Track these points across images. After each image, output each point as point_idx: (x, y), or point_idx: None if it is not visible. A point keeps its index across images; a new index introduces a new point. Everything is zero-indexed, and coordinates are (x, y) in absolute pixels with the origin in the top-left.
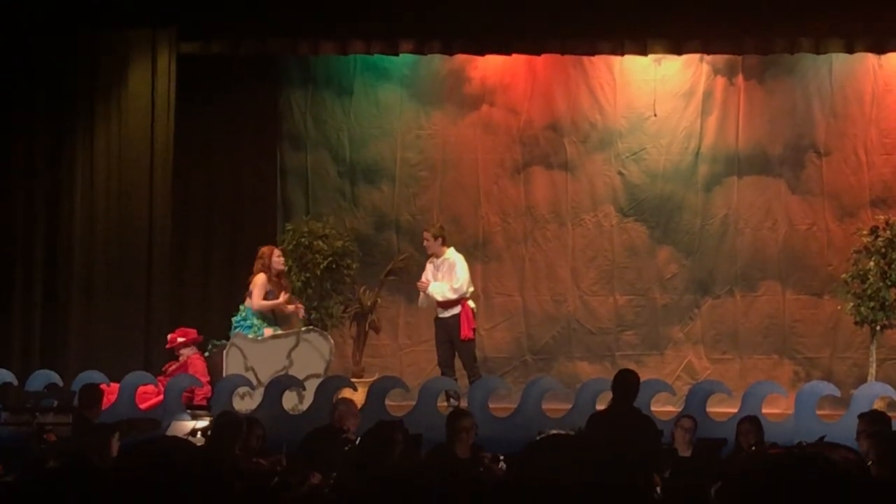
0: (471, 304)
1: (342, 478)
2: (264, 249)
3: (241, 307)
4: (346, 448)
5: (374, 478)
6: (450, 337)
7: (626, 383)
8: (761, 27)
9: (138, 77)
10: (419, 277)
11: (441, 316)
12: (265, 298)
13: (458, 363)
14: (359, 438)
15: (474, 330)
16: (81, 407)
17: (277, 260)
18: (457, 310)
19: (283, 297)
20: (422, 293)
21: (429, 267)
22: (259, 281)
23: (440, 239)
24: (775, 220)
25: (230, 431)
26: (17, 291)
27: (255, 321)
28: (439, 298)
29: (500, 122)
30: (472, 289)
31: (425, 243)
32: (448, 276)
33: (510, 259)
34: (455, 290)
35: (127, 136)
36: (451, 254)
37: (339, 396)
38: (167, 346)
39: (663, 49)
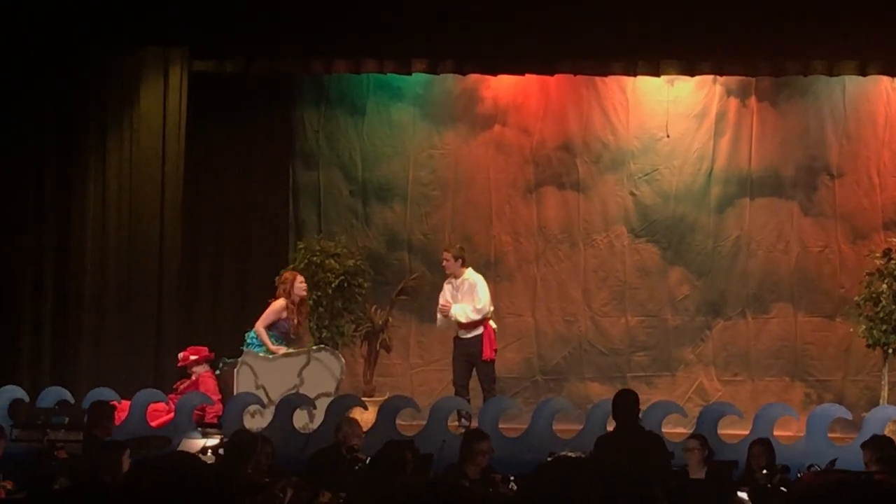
0: (492, 324)
1: (353, 497)
2: (287, 275)
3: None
4: (357, 467)
5: (384, 497)
6: (470, 357)
7: (625, 404)
8: (774, 49)
9: (150, 95)
10: (431, 297)
11: (463, 336)
12: (275, 325)
13: (471, 383)
14: (369, 458)
15: (496, 350)
16: (92, 424)
17: (300, 286)
18: (479, 330)
19: (277, 349)
20: (440, 315)
21: (447, 287)
22: (276, 307)
23: (460, 260)
24: (787, 242)
25: (244, 450)
26: (28, 309)
27: (268, 339)
28: (463, 320)
29: (513, 142)
30: (492, 308)
31: (444, 263)
32: (469, 297)
33: (522, 279)
34: (478, 311)
35: (138, 154)
36: (471, 274)
37: (343, 416)
38: (179, 364)
39: (676, 70)
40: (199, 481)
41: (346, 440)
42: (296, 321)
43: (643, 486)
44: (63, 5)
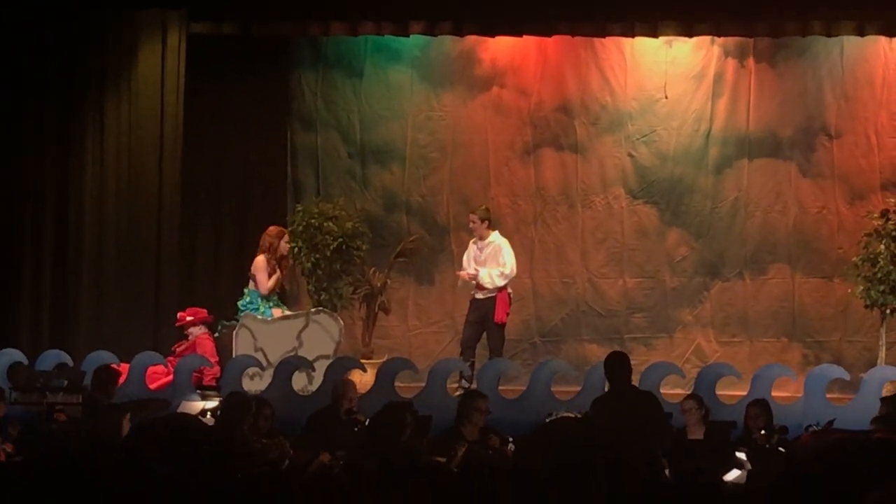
0: (509, 288)
1: (353, 458)
2: (273, 230)
3: (246, 290)
4: (356, 429)
5: (384, 458)
6: (482, 318)
7: (618, 364)
8: (773, 9)
9: (148, 58)
10: (430, 259)
11: (477, 297)
12: (258, 283)
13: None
14: (368, 419)
15: (507, 315)
16: (95, 388)
17: (285, 245)
18: (493, 292)
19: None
20: (460, 279)
21: (472, 248)
22: (259, 264)
23: (486, 222)
24: (785, 203)
25: (239, 412)
26: (27, 272)
27: (261, 304)
28: (489, 286)
29: (511, 104)
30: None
31: (471, 226)
32: (493, 261)
33: (519, 241)
34: (505, 276)
35: (137, 117)
36: (497, 237)
37: (338, 378)
38: (177, 324)
39: (674, 31)
40: (199, 443)
41: (341, 401)
42: (278, 275)
43: (640, 444)
44: None
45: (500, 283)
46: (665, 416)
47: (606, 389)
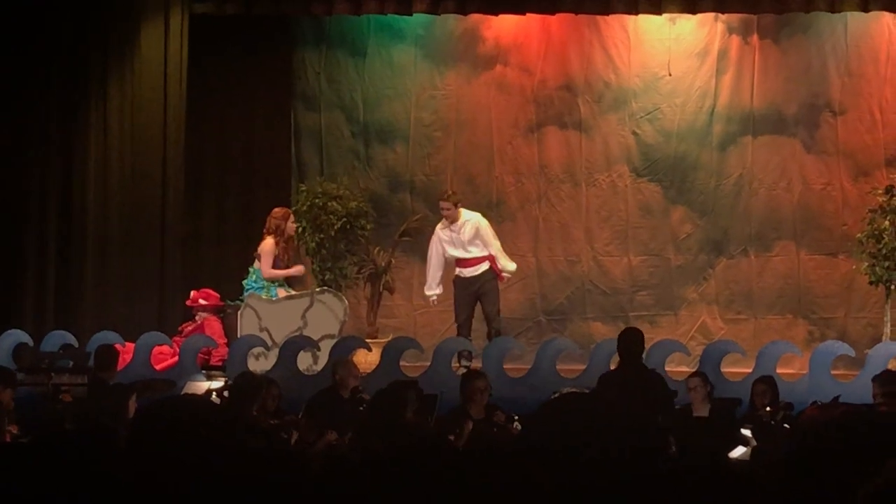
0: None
1: (359, 437)
2: (279, 211)
3: (251, 269)
4: (361, 408)
5: (388, 437)
6: (474, 294)
7: (631, 342)
8: None
9: (151, 38)
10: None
11: (466, 276)
12: (274, 265)
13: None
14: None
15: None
16: (97, 368)
17: (291, 226)
18: (486, 265)
19: (294, 269)
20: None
21: (442, 234)
22: (267, 247)
23: (458, 204)
24: (790, 180)
25: (248, 392)
26: (31, 252)
27: (267, 283)
28: (513, 267)
29: (514, 82)
30: None
31: (446, 213)
32: (479, 238)
33: (524, 219)
34: (502, 253)
35: (140, 97)
36: (469, 214)
37: (338, 358)
38: (188, 302)
39: (678, 8)
40: (207, 424)
41: (342, 382)
42: (287, 258)
43: (647, 422)
44: None
45: (511, 264)
46: (670, 394)
47: (614, 367)
